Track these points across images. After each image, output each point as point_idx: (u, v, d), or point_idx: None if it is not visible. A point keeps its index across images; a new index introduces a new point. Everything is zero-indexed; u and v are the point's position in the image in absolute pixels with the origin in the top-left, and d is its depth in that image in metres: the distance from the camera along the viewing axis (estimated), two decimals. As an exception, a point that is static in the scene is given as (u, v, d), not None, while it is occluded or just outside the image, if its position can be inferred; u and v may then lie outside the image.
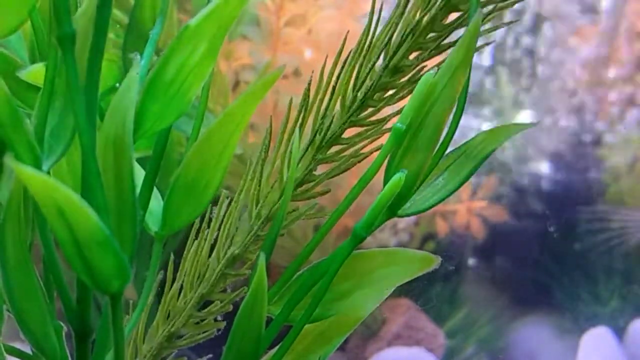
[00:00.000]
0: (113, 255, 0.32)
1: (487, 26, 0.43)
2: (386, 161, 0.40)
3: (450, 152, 0.41)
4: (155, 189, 0.41)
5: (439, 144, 0.39)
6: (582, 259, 1.14)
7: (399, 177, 0.38)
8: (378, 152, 0.40)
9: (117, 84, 0.51)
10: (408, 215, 0.40)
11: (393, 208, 0.40)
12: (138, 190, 0.39)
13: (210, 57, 0.35)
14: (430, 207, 0.40)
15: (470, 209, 1.10)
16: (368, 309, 0.43)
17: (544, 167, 1.22)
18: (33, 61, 0.42)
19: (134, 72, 0.33)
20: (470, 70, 0.38)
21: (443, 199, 0.41)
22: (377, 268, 0.42)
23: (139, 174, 0.41)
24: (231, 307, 0.46)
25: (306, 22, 0.98)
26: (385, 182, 0.39)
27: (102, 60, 0.34)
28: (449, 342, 1.03)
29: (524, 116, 1.24)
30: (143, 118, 0.36)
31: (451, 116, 0.39)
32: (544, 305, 1.13)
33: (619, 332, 1.04)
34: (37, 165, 0.35)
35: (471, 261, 1.16)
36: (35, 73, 0.40)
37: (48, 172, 0.36)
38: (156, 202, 0.41)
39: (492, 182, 1.13)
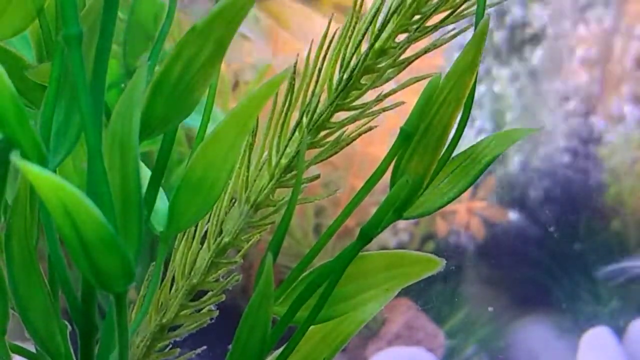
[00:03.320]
0: (118, 255, 0.32)
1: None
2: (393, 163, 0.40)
3: (456, 155, 0.42)
4: (160, 189, 0.41)
5: (445, 147, 0.40)
6: (582, 259, 1.14)
7: (405, 180, 0.38)
8: (373, 147, 0.40)
9: (120, 82, 0.51)
10: (414, 217, 0.41)
11: (399, 210, 0.40)
12: (144, 190, 0.39)
13: (217, 58, 0.35)
14: (436, 210, 0.41)
15: (470, 209, 1.10)
16: (372, 310, 0.43)
17: (543, 167, 1.22)
18: (40, 60, 0.42)
19: (141, 71, 0.33)
20: (477, 73, 0.38)
21: (449, 202, 0.41)
22: (382, 270, 0.42)
23: (145, 173, 0.41)
24: (224, 297, 0.46)
25: (306, 22, 0.98)
26: (392, 184, 0.39)
27: (109, 58, 0.34)
28: (449, 342, 1.03)
29: (524, 115, 1.24)
30: (149, 118, 0.36)
31: (457, 120, 0.40)
32: (544, 305, 1.13)
33: (619, 332, 1.04)
34: (43, 164, 0.34)
35: (471, 261, 1.16)
36: (42, 72, 0.40)
37: (54, 171, 0.36)
38: (161, 202, 0.41)
39: (492, 182, 1.13)
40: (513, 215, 1.18)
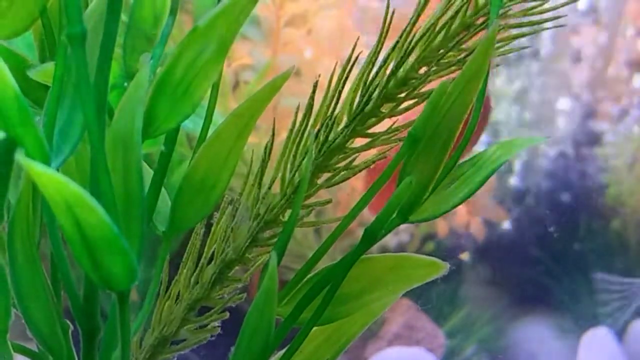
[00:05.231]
0: (121, 254, 0.32)
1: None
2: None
3: (462, 162, 0.41)
4: (162, 189, 0.42)
5: (452, 153, 0.39)
6: (582, 259, 1.15)
7: (408, 181, 0.38)
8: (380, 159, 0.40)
9: (119, 83, 0.51)
10: (419, 221, 0.40)
11: (405, 213, 0.40)
12: (146, 189, 0.39)
13: (219, 58, 0.35)
14: (441, 214, 0.40)
15: (470, 209, 1.10)
16: (376, 312, 0.43)
17: (544, 167, 1.22)
18: (43, 60, 0.42)
19: (143, 71, 0.33)
20: (486, 80, 0.38)
21: (453, 208, 0.40)
22: (386, 273, 0.42)
23: (147, 173, 0.41)
24: (228, 314, 0.45)
25: (306, 22, 0.98)
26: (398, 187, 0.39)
27: (112, 58, 0.34)
28: (449, 342, 1.03)
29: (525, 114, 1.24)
30: (152, 117, 0.36)
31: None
32: (544, 305, 1.13)
33: (619, 332, 1.04)
34: (46, 163, 0.35)
35: (471, 261, 1.16)
36: (45, 72, 0.40)
37: (57, 170, 0.36)
38: (163, 202, 0.42)
39: (492, 182, 1.13)
40: (513, 216, 1.18)
